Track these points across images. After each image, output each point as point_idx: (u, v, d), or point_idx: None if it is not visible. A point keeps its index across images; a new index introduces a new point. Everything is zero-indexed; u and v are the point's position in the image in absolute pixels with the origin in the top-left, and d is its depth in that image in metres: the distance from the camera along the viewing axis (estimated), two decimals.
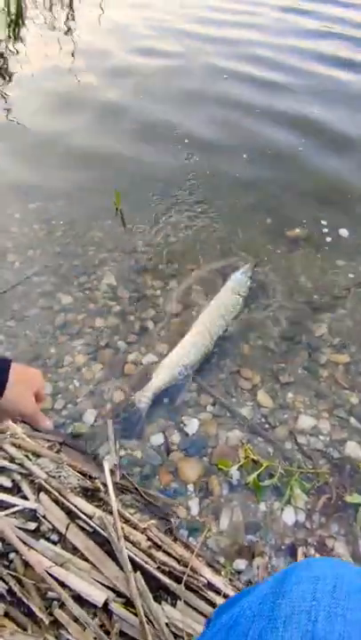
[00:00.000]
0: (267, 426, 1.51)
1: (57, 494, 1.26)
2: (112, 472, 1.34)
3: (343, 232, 2.21)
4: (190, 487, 1.36)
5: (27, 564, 1.13)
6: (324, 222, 2.25)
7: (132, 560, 1.13)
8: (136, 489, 1.33)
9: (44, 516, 1.23)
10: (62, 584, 1.08)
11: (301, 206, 2.37)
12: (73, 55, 3.90)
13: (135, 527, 1.22)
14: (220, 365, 1.69)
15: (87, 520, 1.21)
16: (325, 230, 2.22)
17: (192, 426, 1.50)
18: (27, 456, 1.37)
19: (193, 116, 3.05)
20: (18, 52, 3.97)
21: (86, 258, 2.10)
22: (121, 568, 1.13)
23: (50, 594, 1.08)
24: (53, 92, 3.36)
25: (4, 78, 3.56)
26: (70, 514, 1.23)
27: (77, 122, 3.02)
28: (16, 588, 1.08)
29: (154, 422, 1.52)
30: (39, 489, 1.29)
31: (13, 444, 1.40)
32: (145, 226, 2.26)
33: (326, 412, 1.54)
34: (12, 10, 4.84)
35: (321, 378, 1.64)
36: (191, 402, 1.58)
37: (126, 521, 1.23)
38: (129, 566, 1.11)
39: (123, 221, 2.26)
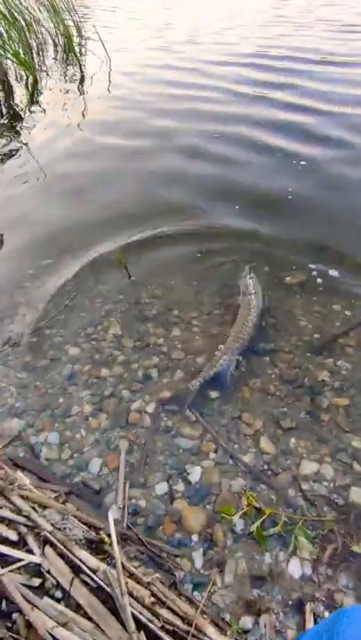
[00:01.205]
0: (269, 473, 1.51)
1: (62, 547, 1.28)
2: (117, 522, 1.36)
3: (333, 273, 2.30)
4: (194, 537, 1.36)
5: (29, 625, 1.13)
6: (312, 266, 2.35)
7: (135, 618, 1.12)
8: (140, 540, 1.34)
9: (48, 571, 1.24)
10: None
11: (294, 252, 2.49)
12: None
13: (139, 581, 1.22)
14: (222, 410, 1.73)
15: (91, 575, 1.21)
16: (314, 274, 2.31)
17: (195, 474, 1.52)
18: (33, 508, 1.40)
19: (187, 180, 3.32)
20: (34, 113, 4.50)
21: (93, 309, 2.22)
22: (124, 627, 1.12)
23: None
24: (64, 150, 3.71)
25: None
26: (75, 568, 1.24)
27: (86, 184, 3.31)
28: None
29: (158, 471, 1.54)
30: (44, 542, 1.31)
31: (21, 496, 1.44)
32: (149, 277, 2.39)
33: (329, 456, 1.54)
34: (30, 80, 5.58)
35: (323, 422, 1.65)
36: (194, 449, 1.60)
37: (130, 575, 1.23)
38: (132, 626, 1.10)
39: (128, 274, 2.40)
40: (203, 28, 8.30)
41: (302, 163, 3.33)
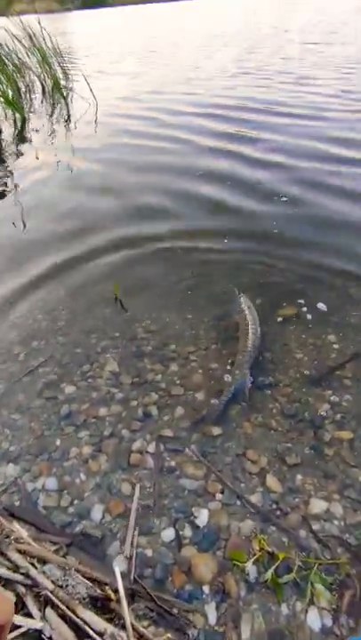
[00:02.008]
0: (278, 512, 1.47)
1: (64, 608, 1.19)
2: (123, 575, 1.27)
3: (321, 306, 2.35)
4: (206, 589, 1.28)
5: None
6: (301, 301, 2.40)
7: None
8: (149, 594, 1.25)
9: (50, 638, 1.14)
10: None
11: (284, 285, 2.54)
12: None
13: None
14: (226, 448, 1.69)
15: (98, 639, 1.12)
16: (304, 309, 2.35)
17: (202, 517, 1.46)
18: (32, 563, 1.31)
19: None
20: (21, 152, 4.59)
21: (89, 346, 2.19)
22: None
23: None
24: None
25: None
26: (79, 632, 1.15)
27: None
28: None
29: (164, 515, 1.47)
30: (45, 602, 1.22)
31: (18, 550, 1.34)
32: (144, 312, 2.39)
33: (337, 493, 1.52)
34: (18, 120, 5.76)
35: (327, 456, 1.63)
36: (199, 490, 1.55)
37: (140, 636, 1.15)
38: None
39: (123, 308, 2.40)
40: (171, 77, 8.74)
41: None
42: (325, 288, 2.49)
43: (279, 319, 2.30)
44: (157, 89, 7.68)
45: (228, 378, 1.97)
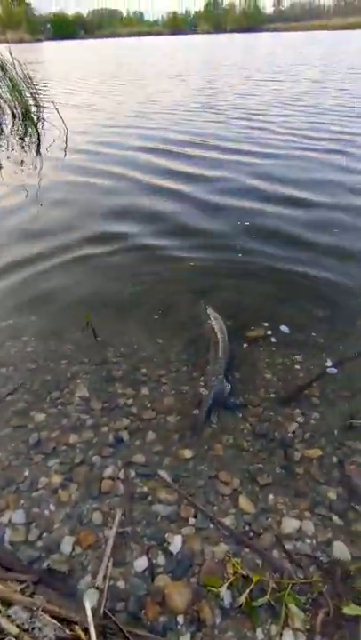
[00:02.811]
0: (251, 534, 1.47)
1: None
2: (94, 610, 1.23)
3: (281, 329, 2.44)
4: (180, 619, 1.26)
5: None
6: (265, 324, 2.48)
7: None
8: (121, 631, 1.21)
9: None
10: None
11: (254, 307, 2.63)
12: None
13: None
14: (198, 471, 1.69)
15: None
16: (269, 332, 2.42)
17: (176, 543, 1.44)
18: None
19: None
20: None
21: (59, 372, 2.16)
22: None
23: None
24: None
25: None
26: None
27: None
28: None
29: (137, 543, 1.44)
30: None
31: None
32: (114, 337, 2.39)
33: (308, 511, 1.54)
34: None
35: (298, 475, 1.67)
36: (173, 515, 1.53)
37: None
38: None
39: (94, 334, 2.39)
40: (127, 110, 8.93)
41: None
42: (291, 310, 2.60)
43: (248, 339, 2.37)
44: (112, 122, 7.80)
45: (204, 390, 2.01)
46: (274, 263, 3.12)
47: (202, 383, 2.08)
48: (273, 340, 2.37)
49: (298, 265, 3.08)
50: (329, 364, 2.19)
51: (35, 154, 6.11)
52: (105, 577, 1.34)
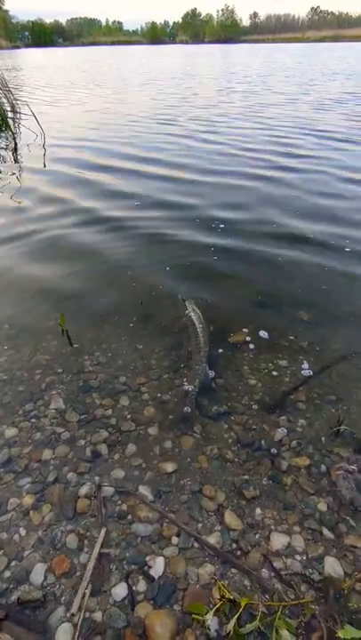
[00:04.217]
0: (238, 552, 1.38)
1: None
2: None
3: (263, 334, 2.38)
4: None
5: None
6: (245, 330, 2.41)
7: None
8: None
9: None
10: None
11: (236, 313, 2.56)
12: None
13: None
14: (181, 485, 1.59)
15: None
16: (248, 338, 2.34)
17: (158, 566, 1.33)
18: None
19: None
20: None
21: (32, 382, 2.02)
22: None
23: None
24: None
25: None
26: None
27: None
28: None
29: (115, 569, 1.33)
30: None
31: None
32: (91, 345, 2.28)
33: (297, 525, 1.46)
34: None
35: (286, 486, 1.58)
36: (154, 535, 1.42)
37: None
38: None
39: (70, 342, 2.27)
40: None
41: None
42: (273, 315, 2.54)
43: (231, 344, 2.29)
44: (82, 135, 7.57)
45: (187, 386, 2.00)
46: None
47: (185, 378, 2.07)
48: (254, 344, 2.30)
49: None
50: (313, 368, 2.13)
51: None
52: (80, 607, 1.22)
